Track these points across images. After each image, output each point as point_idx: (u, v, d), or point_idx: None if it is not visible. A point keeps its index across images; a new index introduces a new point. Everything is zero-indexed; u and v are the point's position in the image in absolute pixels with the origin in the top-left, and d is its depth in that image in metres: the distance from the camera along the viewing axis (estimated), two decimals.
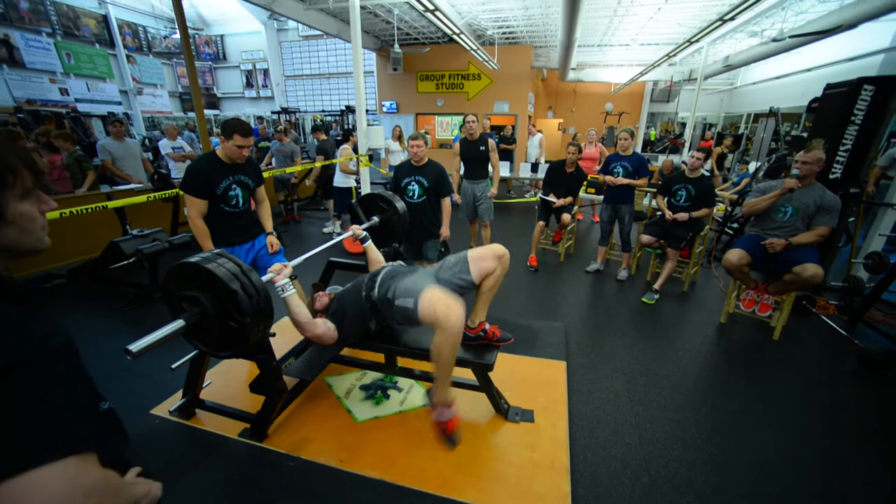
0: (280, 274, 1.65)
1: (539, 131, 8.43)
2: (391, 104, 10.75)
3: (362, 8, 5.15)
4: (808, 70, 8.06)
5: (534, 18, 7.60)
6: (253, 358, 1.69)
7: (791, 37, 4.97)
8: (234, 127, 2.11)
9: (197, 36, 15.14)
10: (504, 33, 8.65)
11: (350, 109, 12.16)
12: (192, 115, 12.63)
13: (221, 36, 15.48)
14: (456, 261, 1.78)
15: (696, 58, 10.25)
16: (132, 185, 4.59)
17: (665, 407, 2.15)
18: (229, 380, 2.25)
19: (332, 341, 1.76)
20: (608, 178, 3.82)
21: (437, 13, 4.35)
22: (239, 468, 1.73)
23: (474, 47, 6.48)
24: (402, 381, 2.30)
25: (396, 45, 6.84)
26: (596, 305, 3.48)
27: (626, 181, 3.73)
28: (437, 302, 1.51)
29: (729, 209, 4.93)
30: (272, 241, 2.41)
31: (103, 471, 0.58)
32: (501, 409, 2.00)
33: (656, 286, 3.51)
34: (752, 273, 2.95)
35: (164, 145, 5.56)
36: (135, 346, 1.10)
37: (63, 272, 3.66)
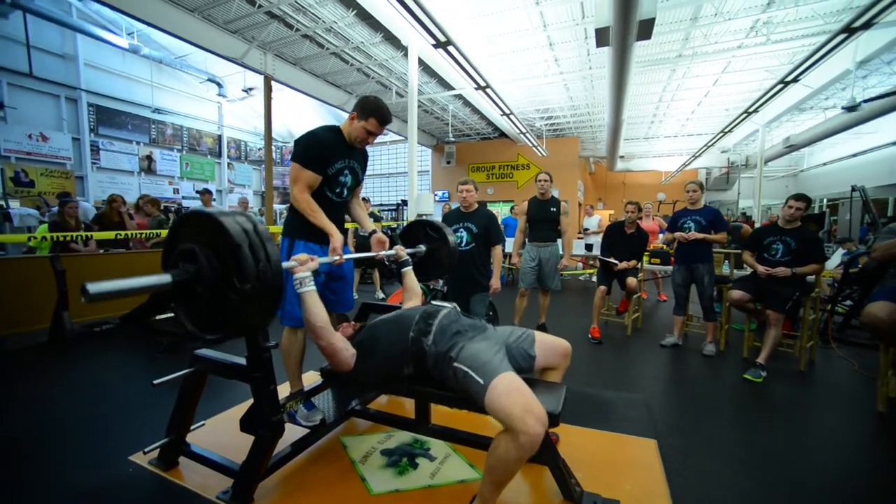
0: (303, 265, 1.39)
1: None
2: (443, 193, 11.44)
3: (419, 105, 5.83)
4: (894, 143, 7.44)
5: (578, 109, 8.08)
6: (247, 378, 1.36)
7: (866, 101, 4.65)
8: (376, 108, 1.73)
9: (283, 147, 18.05)
10: (551, 125, 9.24)
11: (405, 203, 13.12)
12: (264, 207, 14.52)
13: None
14: (523, 334, 1.52)
15: (752, 145, 10.08)
16: None
17: None
18: (227, 425, 1.85)
19: (345, 365, 1.40)
20: (678, 234, 3.36)
21: (489, 90, 4.72)
22: None
23: (523, 130, 6.86)
24: (436, 448, 1.77)
25: (450, 135, 7.45)
26: (681, 381, 2.75)
27: (700, 236, 3.25)
28: (515, 399, 1.13)
29: (836, 286, 4.09)
30: (380, 238, 1.99)
31: None
32: (572, 493, 1.39)
33: (761, 360, 2.74)
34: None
35: None
36: (93, 287, 0.86)
37: (116, 319, 3.76)
